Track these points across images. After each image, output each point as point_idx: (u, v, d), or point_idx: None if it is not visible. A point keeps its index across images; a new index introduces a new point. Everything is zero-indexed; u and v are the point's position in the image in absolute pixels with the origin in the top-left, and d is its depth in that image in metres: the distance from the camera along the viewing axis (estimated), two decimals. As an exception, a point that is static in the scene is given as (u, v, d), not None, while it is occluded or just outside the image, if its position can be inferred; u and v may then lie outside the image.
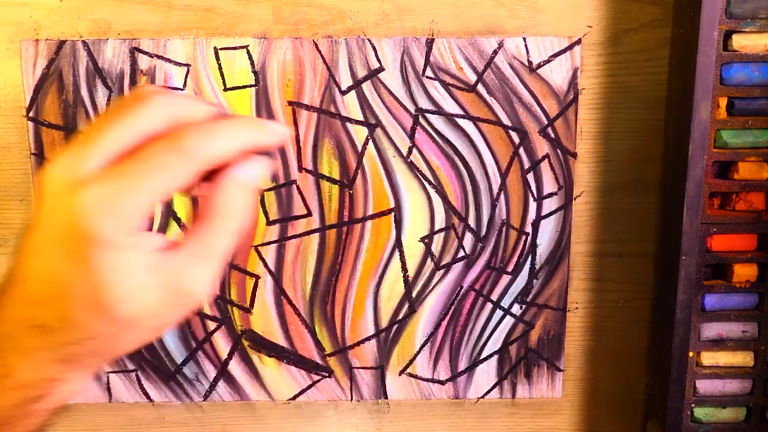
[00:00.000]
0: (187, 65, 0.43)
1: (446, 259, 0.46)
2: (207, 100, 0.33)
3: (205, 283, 0.30)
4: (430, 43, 0.43)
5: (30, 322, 0.31)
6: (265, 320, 0.46)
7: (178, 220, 0.45)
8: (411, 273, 0.46)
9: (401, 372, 0.47)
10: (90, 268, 0.29)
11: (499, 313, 0.46)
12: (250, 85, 0.43)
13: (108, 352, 0.32)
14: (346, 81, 0.43)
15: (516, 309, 0.46)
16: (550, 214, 0.45)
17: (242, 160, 0.30)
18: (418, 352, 0.47)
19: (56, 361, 0.32)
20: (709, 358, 0.44)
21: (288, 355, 0.47)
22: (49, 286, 0.30)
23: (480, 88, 0.43)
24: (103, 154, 0.29)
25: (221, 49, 0.43)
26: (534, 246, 0.46)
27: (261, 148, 0.30)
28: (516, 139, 0.44)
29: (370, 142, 0.44)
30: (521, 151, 0.44)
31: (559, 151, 0.44)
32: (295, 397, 0.47)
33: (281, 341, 0.46)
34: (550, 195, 0.45)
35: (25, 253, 0.30)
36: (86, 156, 0.28)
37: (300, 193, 0.44)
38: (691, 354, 0.43)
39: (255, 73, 0.43)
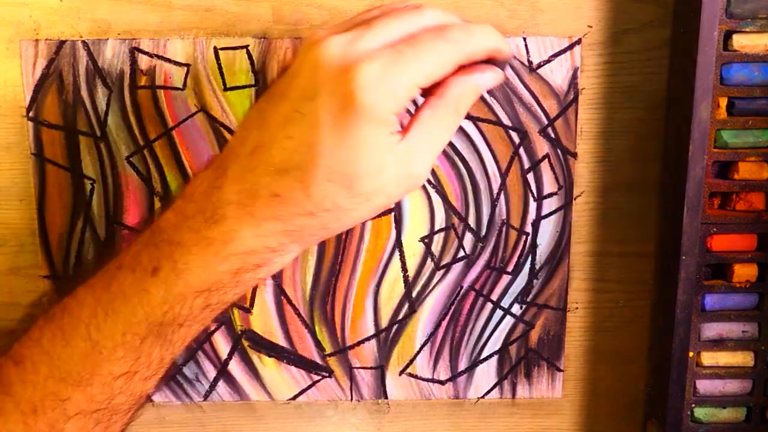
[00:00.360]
0: (187, 65, 0.43)
1: (446, 259, 0.46)
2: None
3: (427, 168, 0.33)
4: (430, 43, 0.43)
5: (268, 190, 0.33)
6: (265, 320, 0.46)
7: (178, 220, 0.45)
8: (411, 273, 0.46)
9: (401, 372, 0.47)
10: (351, 139, 0.31)
11: (499, 313, 0.46)
12: (251, 85, 0.43)
13: (334, 227, 0.34)
14: (346, 81, 0.43)
15: (516, 309, 0.46)
16: (550, 214, 0.45)
17: (482, 65, 0.33)
18: (418, 352, 0.47)
19: (284, 232, 0.34)
20: (709, 358, 0.44)
21: (288, 355, 0.47)
22: (301, 155, 0.32)
23: (480, 88, 0.43)
24: (378, 40, 0.31)
25: (221, 49, 0.43)
26: (534, 246, 0.46)
27: (500, 56, 0.34)
28: (516, 139, 0.44)
29: (370, 142, 0.44)
30: (521, 151, 0.44)
31: (559, 151, 0.44)
32: (295, 397, 0.47)
33: (281, 341, 0.46)
34: (550, 195, 0.45)
35: (273, 122, 0.32)
36: (365, 37, 0.31)
37: (300, 193, 0.44)
38: (691, 354, 0.43)
39: (255, 73, 0.43)
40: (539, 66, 0.43)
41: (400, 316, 0.46)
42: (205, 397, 0.47)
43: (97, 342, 0.34)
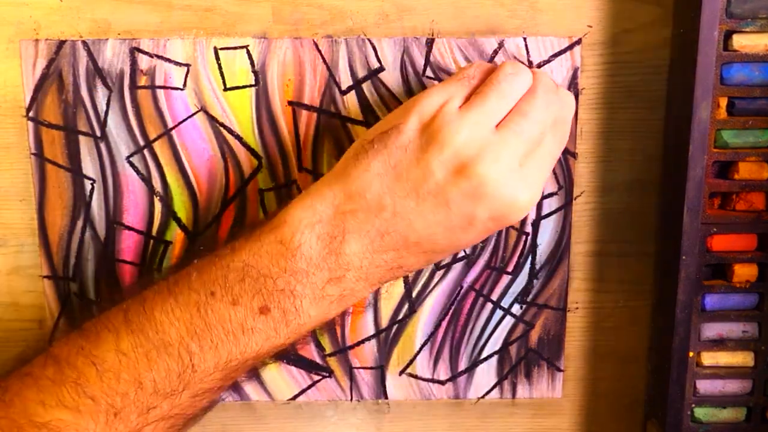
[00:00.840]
0: (187, 65, 0.43)
1: (446, 259, 0.46)
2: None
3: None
4: (430, 43, 0.43)
5: (395, 263, 0.37)
6: (265, 320, 0.46)
7: (178, 221, 0.45)
8: (411, 273, 0.46)
9: (401, 372, 0.47)
10: (481, 237, 0.37)
11: (499, 313, 0.46)
12: (251, 85, 0.43)
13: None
14: (346, 81, 0.43)
15: (516, 309, 0.46)
16: (550, 214, 0.45)
17: None
18: (418, 352, 0.47)
19: (394, 278, 0.38)
20: (709, 358, 0.44)
21: (288, 355, 0.47)
22: (445, 249, 0.37)
23: (480, 88, 0.43)
24: (528, 153, 0.36)
25: (221, 49, 0.43)
26: (534, 246, 0.46)
27: None
28: (516, 139, 0.44)
29: (370, 142, 0.44)
30: (521, 151, 0.44)
31: (559, 151, 0.44)
32: (295, 397, 0.47)
33: (281, 341, 0.46)
34: (550, 195, 0.45)
35: (422, 221, 0.35)
36: (520, 160, 0.35)
37: (300, 192, 0.44)
38: (691, 354, 0.43)
39: (255, 73, 0.43)
40: (539, 66, 0.43)
41: (400, 316, 0.46)
42: (205, 397, 0.47)
43: (193, 365, 0.35)
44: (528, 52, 0.43)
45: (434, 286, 0.46)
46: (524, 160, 0.35)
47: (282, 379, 0.47)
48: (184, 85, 0.43)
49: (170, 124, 0.43)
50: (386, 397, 0.48)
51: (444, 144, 0.34)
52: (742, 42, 0.40)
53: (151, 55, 0.43)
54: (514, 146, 0.35)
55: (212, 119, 0.44)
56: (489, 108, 0.35)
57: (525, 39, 0.43)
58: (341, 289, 0.36)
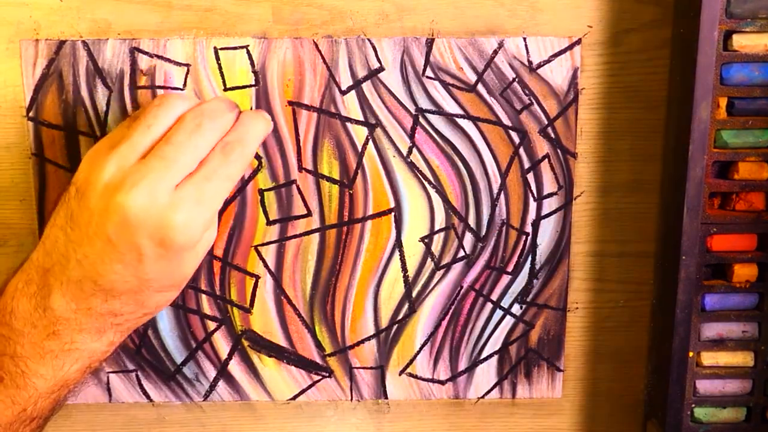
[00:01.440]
0: (187, 65, 0.43)
1: (446, 259, 0.46)
2: (225, 102, 0.40)
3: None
4: (430, 43, 0.43)
5: (104, 309, 0.37)
6: (265, 320, 0.46)
7: (178, 220, 0.44)
8: (411, 273, 0.46)
9: (401, 372, 0.47)
10: (177, 263, 0.37)
11: (499, 313, 0.46)
12: (251, 85, 0.43)
13: (163, 308, 0.41)
14: (346, 81, 0.43)
15: (516, 309, 0.46)
16: (550, 214, 0.45)
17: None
18: (418, 352, 0.47)
19: (122, 330, 0.38)
20: (709, 358, 0.44)
21: (288, 355, 0.47)
22: (132, 283, 0.36)
23: (480, 88, 0.43)
24: (177, 178, 0.35)
25: (221, 49, 0.43)
26: (534, 246, 0.46)
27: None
28: (516, 139, 0.44)
29: (370, 142, 0.44)
30: (521, 151, 0.44)
31: (559, 151, 0.44)
32: (295, 397, 0.47)
33: (281, 341, 0.46)
34: (550, 195, 0.45)
35: (93, 258, 0.35)
36: (166, 180, 0.35)
37: (300, 193, 0.44)
38: (691, 354, 0.43)
39: (255, 73, 0.43)
40: (539, 66, 0.43)
41: (400, 316, 0.46)
42: (205, 397, 0.47)
43: None
44: (528, 52, 0.43)
45: (434, 286, 0.46)
46: (184, 181, 0.36)
47: (282, 379, 0.47)
48: (184, 85, 0.43)
49: (170, 124, 0.43)
50: (386, 397, 0.48)
51: (95, 184, 0.35)
52: (742, 42, 0.40)
53: (151, 55, 0.43)
54: (157, 169, 0.35)
55: (212, 119, 0.43)
56: (132, 141, 0.36)
57: (525, 39, 0.43)
58: (62, 343, 0.37)
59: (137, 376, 0.47)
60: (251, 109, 0.43)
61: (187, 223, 0.35)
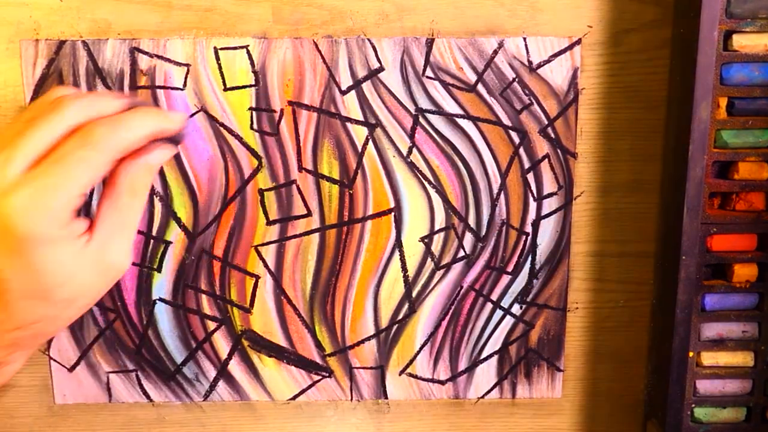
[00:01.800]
0: (187, 65, 0.43)
1: (446, 259, 0.46)
2: (117, 93, 0.37)
3: (125, 253, 0.34)
4: (430, 43, 0.43)
5: None
6: (265, 320, 0.46)
7: (178, 221, 0.45)
8: (411, 273, 0.46)
9: (401, 372, 0.47)
10: (28, 263, 0.32)
11: (499, 313, 0.46)
12: (250, 85, 0.43)
13: (49, 331, 0.35)
14: (346, 81, 0.43)
15: (516, 309, 0.46)
16: (550, 214, 0.45)
17: (150, 145, 0.34)
18: (418, 352, 0.47)
19: (1, 347, 0.35)
20: (709, 358, 0.44)
21: (288, 355, 0.47)
22: (21, 289, 0.32)
23: (480, 88, 0.43)
24: (26, 159, 0.31)
25: (221, 49, 0.43)
26: (534, 246, 0.46)
27: (164, 134, 0.34)
28: (516, 139, 0.44)
29: (370, 142, 0.44)
30: (521, 151, 0.44)
31: (559, 151, 0.44)
32: (295, 397, 0.47)
33: (281, 341, 0.46)
34: (550, 195, 0.45)
35: None
36: (10, 162, 0.31)
37: (300, 193, 0.44)
38: (691, 354, 0.43)
39: (255, 73, 0.43)
40: (539, 66, 0.43)
41: (400, 316, 0.46)
42: (205, 397, 0.47)
43: None
44: (528, 52, 0.43)
45: (434, 286, 0.46)
46: (34, 165, 0.32)
47: (282, 379, 0.47)
48: (184, 85, 0.43)
49: (170, 124, 0.43)
50: (386, 397, 0.48)
51: None
52: (742, 42, 0.40)
53: (151, 55, 0.43)
54: (4, 153, 0.31)
55: (212, 119, 0.44)
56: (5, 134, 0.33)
57: (525, 39, 0.43)
58: None
59: (137, 376, 0.47)
60: (252, 109, 0.43)
61: (26, 208, 0.31)
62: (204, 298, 0.46)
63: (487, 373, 0.47)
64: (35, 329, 0.34)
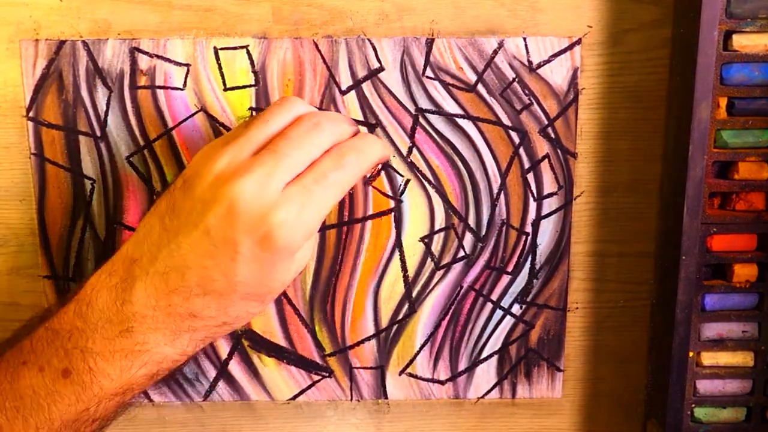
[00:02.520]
0: (187, 65, 0.43)
1: (446, 259, 0.46)
2: (347, 118, 0.39)
3: (311, 250, 0.40)
4: (430, 43, 0.43)
5: (184, 309, 0.35)
6: (265, 320, 0.46)
7: (178, 220, 0.45)
8: (411, 273, 0.46)
9: (401, 372, 0.47)
10: (269, 270, 0.34)
11: (499, 313, 0.46)
12: (250, 85, 0.43)
13: (240, 325, 0.38)
14: (346, 81, 0.43)
15: (516, 309, 0.46)
16: (550, 214, 0.45)
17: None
18: (418, 352, 0.47)
19: (198, 340, 0.37)
20: (709, 358, 0.44)
21: (288, 355, 0.47)
22: (219, 283, 0.34)
23: (480, 88, 0.43)
24: (288, 175, 0.34)
25: (221, 49, 0.43)
26: (534, 246, 0.46)
27: (383, 161, 0.39)
28: (516, 139, 0.44)
29: (370, 142, 0.44)
30: (521, 151, 0.44)
31: (559, 151, 0.44)
32: (295, 397, 0.47)
33: (281, 341, 0.46)
34: (550, 195, 0.45)
35: (186, 250, 0.34)
36: (276, 176, 0.33)
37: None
38: (691, 354, 0.43)
39: (255, 73, 0.43)
40: (539, 66, 0.43)
41: (400, 316, 0.46)
42: (205, 397, 0.47)
43: (9, 430, 0.34)
44: (528, 52, 0.43)
45: (434, 286, 0.46)
46: (293, 181, 0.34)
47: (282, 379, 0.47)
48: (184, 85, 0.43)
49: (170, 124, 0.44)
50: (386, 397, 0.48)
51: (204, 174, 0.34)
52: (742, 42, 0.40)
53: (151, 55, 0.43)
54: (269, 165, 0.33)
55: (212, 119, 0.44)
56: (248, 135, 0.35)
57: (525, 39, 0.43)
58: (134, 342, 0.35)
59: (137, 376, 0.47)
60: (252, 109, 0.43)
61: (290, 224, 0.33)
62: (204, 298, 0.46)
63: (487, 373, 0.47)
64: (236, 324, 0.37)
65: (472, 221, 0.45)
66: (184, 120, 0.43)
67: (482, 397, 0.48)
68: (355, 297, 0.46)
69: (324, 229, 0.45)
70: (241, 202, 0.33)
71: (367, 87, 0.43)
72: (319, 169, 0.34)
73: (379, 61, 0.43)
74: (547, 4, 0.43)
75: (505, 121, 0.44)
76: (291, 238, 0.33)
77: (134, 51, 0.43)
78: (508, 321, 0.47)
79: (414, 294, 0.46)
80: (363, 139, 0.37)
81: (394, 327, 0.47)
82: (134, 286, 0.35)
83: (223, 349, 0.46)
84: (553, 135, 0.44)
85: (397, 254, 0.45)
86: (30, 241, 0.45)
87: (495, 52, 0.43)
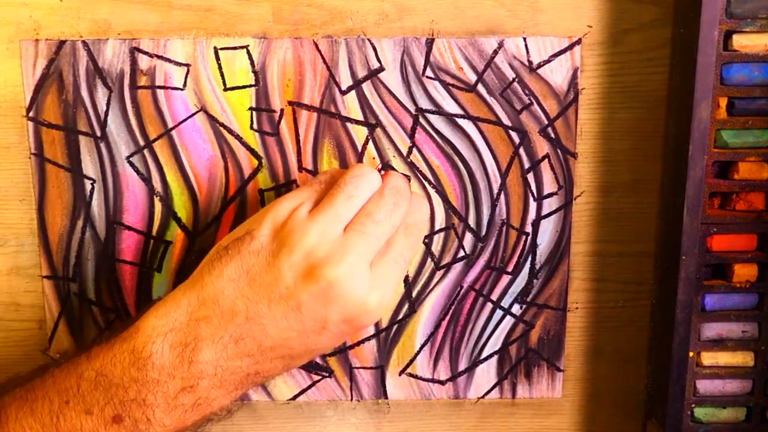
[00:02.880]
0: (187, 65, 0.43)
1: (446, 259, 0.46)
2: (406, 182, 0.40)
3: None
4: (430, 43, 0.43)
5: (252, 370, 0.36)
6: (265, 320, 0.46)
7: (178, 221, 0.45)
8: (411, 273, 0.46)
9: (401, 372, 0.47)
10: (343, 339, 0.38)
11: (499, 313, 0.46)
12: (250, 85, 0.43)
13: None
14: (346, 81, 0.43)
15: (516, 309, 0.46)
16: (550, 214, 0.45)
17: None
18: (418, 352, 0.47)
19: (254, 385, 0.38)
20: (709, 358, 0.44)
21: (288, 355, 0.47)
22: (301, 354, 0.37)
23: (480, 88, 0.43)
24: (369, 260, 0.36)
25: (221, 49, 0.43)
26: (534, 246, 0.46)
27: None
28: (516, 139, 0.44)
29: (370, 142, 0.44)
30: (521, 151, 0.44)
31: (559, 151, 0.44)
32: (295, 397, 0.47)
33: (281, 341, 0.46)
34: (550, 195, 0.45)
35: (273, 325, 0.35)
36: (366, 260, 0.35)
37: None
38: (691, 354, 0.43)
39: (255, 73, 0.43)
40: (539, 66, 0.43)
41: (400, 316, 0.46)
42: (205, 397, 0.47)
43: None
44: (528, 52, 0.43)
45: (434, 286, 0.46)
46: (375, 261, 0.36)
47: (282, 379, 0.47)
48: (184, 85, 0.43)
49: (170, 124, 0.44)
50: (386, 397, 0.48)
51: (293, 248, 0.35)
52: (742, 42, 0.40)
53: (151, 55, 0.43)
54: (361, 248, 0.35)
55: (212, 119, 0.44)
56: (336, 211, 0.36)
57: (525, 39, 0.43)
58: (195, 397, 0.35)
59: (137, 376, 0.47)
60: (252, 109, 0.43)
61: (380, 304, 0.36)
62: (204, 298, 0.46)
63: (487, 373, 0.47)
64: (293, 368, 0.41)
65: (472, 221, 0.45)
66: (184, 120, 0.43)
67: (482, 397, 0.48)
68: (355, 297, 0.46)
69: (324, 229, 0.45)
70: (339, 286, 0.34)
71: (367, 87, 0.43)
72: (397, 250, 0.37)
73: (379, 61, 0.43)
74: (547, 4, 0.43)
75: (505, 121, 0.44)
76: (378, 315, 0.36)
77: (134, 51, 0.43)
78: (508, 321, 0.47)
79: (414, 294, 0.46)
80: (418, 210, 0.40)
81: (394, 327, 0.47)
82: (202, 347, 0.35)
83: (223, 349, 0.46)
84: (553, 135, 0.44)
85: (397, 254, 0.45)
86: (30, 241, 0.45)
87: (495, 52, 0.43)
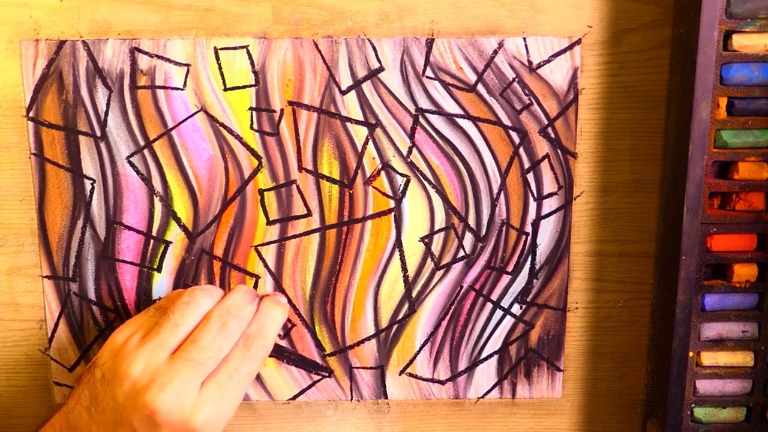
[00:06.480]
0: (187, 65, 0.43)
1: (446, 259, 0.46)
2: (247, 295, 0.42)
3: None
4: (430, 43, 0.43)
5: None
6: (265, 320, 0.46)
7: (178, 221, 0.45)
8: (411, 273, 0.46)
9: (401, 372, 0.47)
10: None
11: (499, 313, 0.46)
12: (250, 85, 0.43)
13: None
14: (346, 81, 0.43)
15: (516, 309, 0.46)
16: (550, 214, 0.45)
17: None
18: (418, 352, 0.47)
19: None
20: (709, 358, 0.44)
21: (288, 355, 0.47)
22: None
23: (480, 88, 0.43)
24: (203, 377, 0.38)
25: (221, 49, 0.43)
26: (534, 246, 0.46)
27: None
28: (516, 139, 0.44)
29: (370, 142, 0.44)
30: (521, 151, 0.44)
31: (559, 151, 0.44)
32: (295, 397, 0.47)
33: (281, 341, 0.46)
34: (550, 195, 0.45)
35: None
36: (192, 384, 0.37)
37: (300, 193, 0.45)
38: (691, 354, 0.43)
39: (255, 73, 0.43)
40: (539, 66, 0.43)
41: (400, 316, 0.46)
42: (205, 397, 0.47)
43: None
44: (528, 52, 0.43)
45: (434, 286, 0.46)
46: (208, 380, 0.38)
47: (282, 379, 0.47)
48: (184, 85, 0.43)
49: (170, 124, 0.44)
50: (386, 397, 0.48)
51: (122, 377, 0.37)
52: (742, 42, 0.40)
53: (151, 55, 0.43)
54: (185, 372, 0.37)
55: (212, 119, 0.44)
56: (161, 339, 0.38)
57: (525, 39, 0.43)
58: None
59: (137, 376, 0.47)
60: (252, 109, 0.43)
61: (210, 421, 0.37)
62: (204, 298, 0.46)
63: (487, 373, 0.47)
64: None
65: (472, 221, 0.45)
66: (184, 120, 0.43)
67: (482, 397, 0.48)
68: (355, 297, 0.46)
69: (324, 228, 0.45)
70: (161, 411, 0.36)
71: (367, 87, 0.43)
72: (231, 365, 0.38)
73: (379, 61, 0.43)
74: (547, 4, 0.43)
75: (505, 121, 0.44)
76: (215, 428, 0.38)
77: (134, 51, 0.43)
78: (508, 321, 0.47)
79: (414, 294, 0.46)
80: (263, 317, 0.41)
81: (394, 327, 0.47)
82: None
83: (223, 349, 0.46)
84: (553, 135, 0.44)
85: (397, 254, 0.45)
86: (30, 241, 0.45)
87: (495, 52, 0.43)
